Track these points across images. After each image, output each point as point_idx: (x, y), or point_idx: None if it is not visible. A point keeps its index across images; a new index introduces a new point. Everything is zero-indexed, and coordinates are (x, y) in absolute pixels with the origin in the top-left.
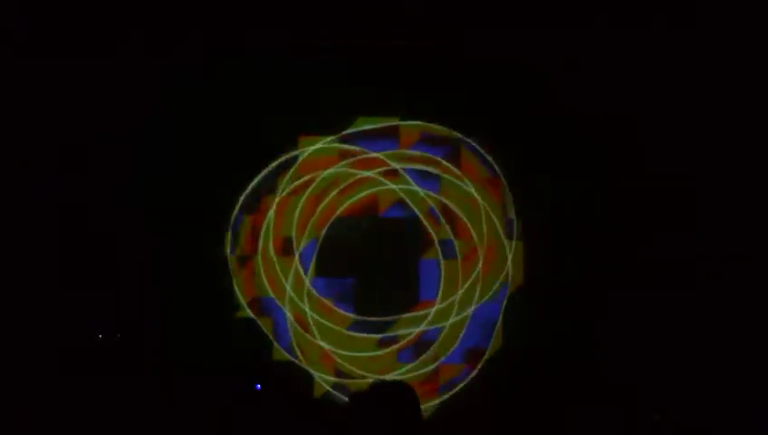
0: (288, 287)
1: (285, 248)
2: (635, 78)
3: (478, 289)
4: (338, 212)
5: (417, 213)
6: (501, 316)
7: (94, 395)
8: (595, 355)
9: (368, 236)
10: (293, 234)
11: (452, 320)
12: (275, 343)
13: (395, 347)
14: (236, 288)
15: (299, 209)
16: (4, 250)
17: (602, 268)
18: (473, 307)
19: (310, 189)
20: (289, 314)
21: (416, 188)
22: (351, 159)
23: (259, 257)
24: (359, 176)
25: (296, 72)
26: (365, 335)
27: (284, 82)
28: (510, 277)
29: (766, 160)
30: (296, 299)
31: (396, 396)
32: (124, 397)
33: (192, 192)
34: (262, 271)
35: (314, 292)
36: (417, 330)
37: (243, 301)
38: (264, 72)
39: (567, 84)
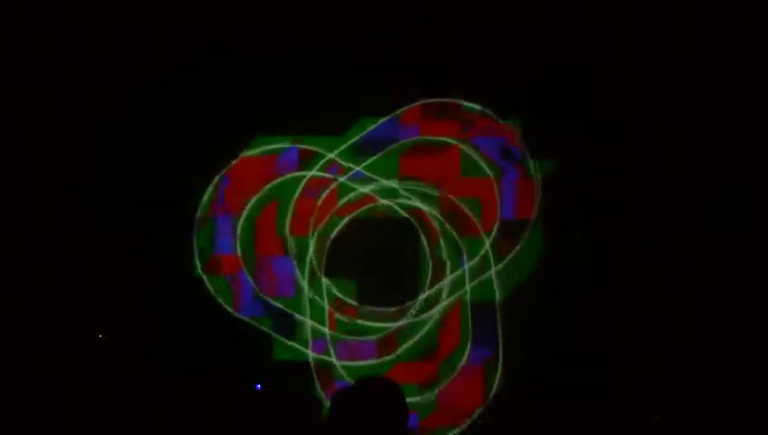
0: (305, 285)
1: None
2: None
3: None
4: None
5: (413, 221)
6: (498, 315)
7: (93, 395)
8: (592, 354)
9: (366, 237)
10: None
11: (434, 311)
12: (289, 342)
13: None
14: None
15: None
16: None
17: (603, 267)
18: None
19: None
20: (303, 316)
21: (415, 203)
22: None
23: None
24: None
25: (296, 72)
26: (377, 325)
27: (284, 83)
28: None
29: None
30: (315, 296)
31: (381, 393)
32: (124, 397)
33: (189, 193)
34: (252, 272)
35: (332, 288)
36: (407, 321)
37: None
38: (264, 72)
39: (565, 84)
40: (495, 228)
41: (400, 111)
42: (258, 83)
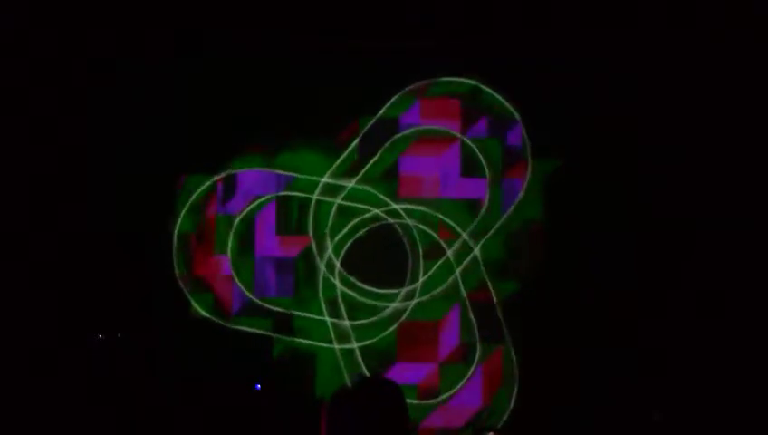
0: (320, 283)
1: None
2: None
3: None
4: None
5: (405, 241)
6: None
7: (93, 395)
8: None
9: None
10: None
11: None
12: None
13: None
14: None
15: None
16: None
17: (604, 266)
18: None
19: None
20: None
21: (414, 223)
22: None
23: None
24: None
25: (296, 72)
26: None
27: (283, 83)
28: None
29: None
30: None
31: (381, 393)
32: (124, 397)
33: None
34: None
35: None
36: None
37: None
38: (263, 72)
39: (566, 84)
40: (480, 217)
41: (400, 110)
42: (258, 83)
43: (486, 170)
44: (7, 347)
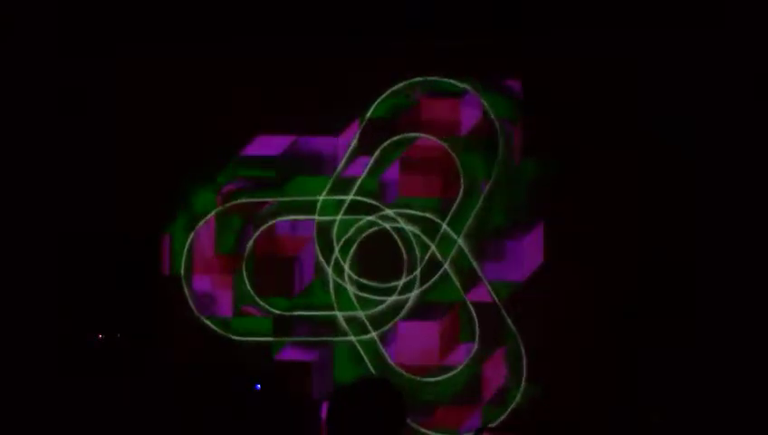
0: (330, 279)
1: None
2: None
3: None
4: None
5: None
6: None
7: (94, 395)
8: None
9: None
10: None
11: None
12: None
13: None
14: None
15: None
16: None
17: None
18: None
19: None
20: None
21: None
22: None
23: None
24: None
25: (296, 72)
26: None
27: (283, 83)
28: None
29: None
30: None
31: (379, 394)
32: (124, 397)
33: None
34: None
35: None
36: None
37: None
38: (263, 72)
39: (565, 84)
40: (456, 202)
41: (399, 110)
42: (258, 83)
43: (465, 170)
44: (7, 347)
